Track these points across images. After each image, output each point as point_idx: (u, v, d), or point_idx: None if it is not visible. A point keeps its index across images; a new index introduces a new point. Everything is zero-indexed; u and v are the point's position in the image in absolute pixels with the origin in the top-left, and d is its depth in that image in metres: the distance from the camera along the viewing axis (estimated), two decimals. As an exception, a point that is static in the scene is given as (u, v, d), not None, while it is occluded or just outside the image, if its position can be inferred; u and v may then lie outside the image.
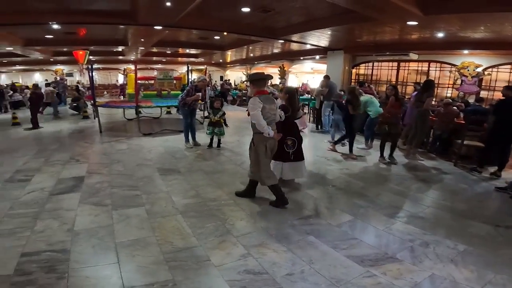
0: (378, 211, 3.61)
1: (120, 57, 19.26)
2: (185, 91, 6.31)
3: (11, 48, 12.78)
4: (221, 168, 5.07)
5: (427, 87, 5.72)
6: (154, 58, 21.34)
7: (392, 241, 2.95)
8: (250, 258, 2.58)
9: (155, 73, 22.74)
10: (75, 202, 3.56)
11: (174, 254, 2.60)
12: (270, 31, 10.17)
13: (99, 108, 8.07)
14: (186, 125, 6.31)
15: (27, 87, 15.18)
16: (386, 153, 5.60)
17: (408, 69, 11.43)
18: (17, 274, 2.29)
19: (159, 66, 25.09)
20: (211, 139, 6.33)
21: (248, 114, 3.48)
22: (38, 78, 23.62)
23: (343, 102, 6.06)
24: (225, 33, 10.50)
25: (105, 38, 13.12)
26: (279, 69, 18.81)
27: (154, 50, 16.69)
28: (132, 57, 19.54)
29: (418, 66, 11.06)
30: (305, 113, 9.24)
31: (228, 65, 26.11)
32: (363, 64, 12.87)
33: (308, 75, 25.09)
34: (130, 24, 8.79)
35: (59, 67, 22.29)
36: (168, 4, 6.32)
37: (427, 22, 6.45)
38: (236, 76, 28.16)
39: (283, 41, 11.29)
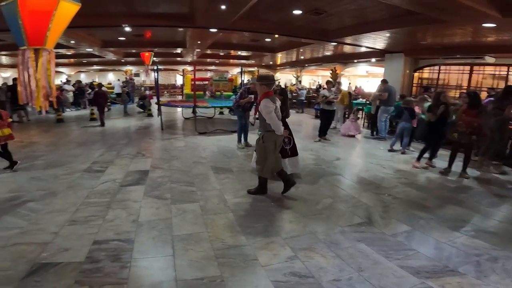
0: (440, 224, 3.37)
1: (178, 59, 20.54)
2: (238, 93, 6.55)
3: (91, 49, 14.38)
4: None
5: (508, 93, 5.15)
6: (208, 60, 22.32)
7: (455, 255, 2.74)
8: (297, 260, 2.60)
9: (208, 74, 23.95)
10: (140, 194, 3.94)
11: (223, 251, 2.70)
12: (322, 33, 10.02)
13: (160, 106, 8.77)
14: (240, 126, 6.56)
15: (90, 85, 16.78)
16: (454, 166, 5.09)
17: (483, 74, 10.29)
18: (87, 262, 2.50)
19: (213, 67, 26.29)
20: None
21: (255, 113, 3.94)
22: (111, 77, 26.48)
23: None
24: (276, 35, 10.61)
25: (166, 40, 14.07)
26: (331, 72, 18.33)
27: (208, 52, 17.40)
28: (189, 59, 20.72)
29: (495, 70, 9.92)
30: (359, 117, 8.89)
31: (278, 67, 26.24)
32: (427, 68, 11.92)
33: (362, 78, 24.06)
34: (188, 26, 9.29)
35: (128, 67, 24.73)
36: (223, 7, 6.63)
37: (507, 24, 5.80)
38: (286, 78, 28.13)
39: (335, 43, 11.02)
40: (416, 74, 12.14)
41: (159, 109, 8.82)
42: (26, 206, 3.47)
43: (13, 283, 2.19)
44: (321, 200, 3.91)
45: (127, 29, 9.52)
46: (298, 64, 22.36)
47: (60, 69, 23.20)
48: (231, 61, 23.40)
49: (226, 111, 12.14)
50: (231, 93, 14.50)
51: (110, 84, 20.41)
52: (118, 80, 17.76)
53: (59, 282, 2.22)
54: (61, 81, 18.12)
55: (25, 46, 3.77)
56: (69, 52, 15.87)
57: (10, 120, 4.91)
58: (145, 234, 2.97)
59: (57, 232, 2.91)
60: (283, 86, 23.21)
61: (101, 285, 2.22)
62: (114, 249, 2.68)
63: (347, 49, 12.95)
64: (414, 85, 12.11)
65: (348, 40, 10.29)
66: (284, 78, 28.64)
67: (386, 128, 7.86)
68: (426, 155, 5.49)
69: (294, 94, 16.49)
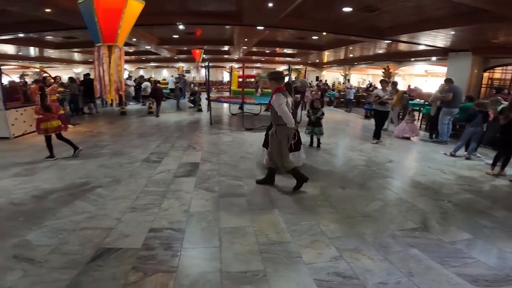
0: (506, 233, 3.07)
1: (226, 56, 21.14)
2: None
3: (149, 47, 15.41)
4: (318, 169, 5.08)
5: None
6: (254, 58, 22.65)
7: (520, 265, 2.48)
8: (342, 261, 2.56)
9: (254, 71, 24.27)
10: (192, 185, 4.17)
11: (268, 247, 2.74)
12: (374, 31, 9.57)
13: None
14: None
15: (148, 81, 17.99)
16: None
17: None
18: (143, 249, 2.65)
19: (259, 65, 26.57)
20: (311, 138, 6.44)
21: (268, 108, 4.06)
22: (165, 74, 28.24)
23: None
24: (323, 33, 10.35)
25: (215, 38, 14.60)
26: (383, 70, 17.34)
27: (254, 49, 17.66)
28: (236, 56, 21.21)
29: None
30: (415, 119, 8.29)
31: (325, 66, 25.56)
32: (499, 68, 10.71)
33: (419, 78, 22.35)
34: (236, 24, 9.56)
35: (180, 64, 26.18)
36: (270, 5, 6.65)
37: None
38: (333, 76, 27.27)
39: (389, 41, 10.41)
40: (485, 74, 10.94)
41: (209, 105, 9.21)
42: (95, 192, 3.86)
43: (79, 267, 2.38)
44: (370, 202, 3.76)
45: (181, 27, 10.09)
46: (347, 62, 21.58)
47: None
48: (277, 58, 23.47)
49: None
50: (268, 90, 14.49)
51: (165, 80, 21.77)
52: (172, 76, 18.86)
53: (119, 268, 2.38)
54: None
55: (100, 43, 4.20)
56: (131, 50, 17.24)
57: (61, 112, 5.40)
58: (195, 224, 3.11)
59: (119, 218, 3.19)
60: (330, 85, 22.68)
61: (154, 272, 2.34)
62: (167, 237, 2.85)
63: (403, 47, 12.21)
64: (483, 86, 10.92)
65: (404, 38, 9.71)
66: (331, 76, 27.81)
67: (448, 131, 7.22)
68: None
69: (342, 93, 15.96)
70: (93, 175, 4.47)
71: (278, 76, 3.97)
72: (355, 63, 21.01)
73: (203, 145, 6.45)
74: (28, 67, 17.16)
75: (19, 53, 16.26)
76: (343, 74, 24.01)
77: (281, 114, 3.75)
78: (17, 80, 11.96)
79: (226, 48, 17.30)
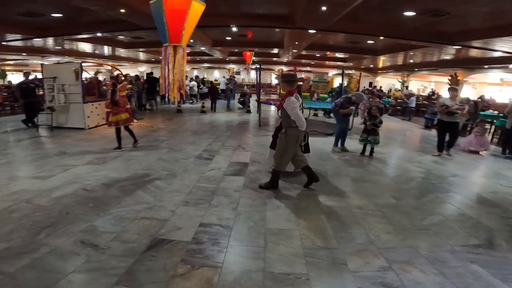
0: None
1: (275, 59, 21.29)
2: (339, 100, 6.40)
3: (203, 48, 16.21)
4: (370, 178, 4.87)
5: None
6: (303, 61, 22.38)
7: None
8: (390, 272, 2.43)
9: (303, 75, 24.03)
10: (240, 184, 4.29)
11: (313, 251, 2.71)
12: (440, 36, 8.87)
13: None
14: (340, 129, 6.42)
15: (202, 81, 18.75)
16: None
17: None
18: (193, 242, 2.75)
19: (309, 68, 26.20)
20: (364, 146, 6.18)
21: (279, 109, 4.14)
22: (217, 75, 29.35)
23: None
24: (381, 37, 9.84)
25: (264, 41, 14.87)
26: (449, 78, 15.84)
27: (304, 53, 17.48)
28: (285, 59, 21.22)
29: None
30: (486, 129, 7.46)
31: (379, 71, 24.26)
32: None
33: (492, 87, 20.07)
34: (287, 27, 9.59)
35: (231, 66, 27.04)
36: (324, 8, 6.52)
37: None
38: (388, 83, 25.70)
39: (459, 47, 9.52)
40: None
41: (258, 107, 9.39)
42: (154, 184, 4.19)
43: (135, 255, 2.52)
44: (428, 216, 3.51)
45: (234, 29, 10.42)
46: (405, 68, 20.22)
47: None
48: (327, 62, 22.95)
49: (320, 113, 12.00)
50: (325, 96, 14.25)
51: (217, 81, 22.68)
52: (224, 77, 19.56)
53: (169, 259, 2.49)
54: None
55: (167, 43, 4.56)
56: (188, 50, 18.22)
57: (128, 106, 5.92)
58: (242, 223, 3.18)
59: (174, 210, 3.40)
60: (386, 91, 21.43)
61: (201, 266, 2.42)
62: (215, 233, 2.94)
63: (474, 53, 11.06)
64: None
65: (476, 43, 8.82)
66: (386, 82, 26.28)
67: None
68: None
69: (398, 101, 14.92)
70: (153, 168, 4.85)
71: (291, 78, 4.00)
72: (415, 69, 19.61)
73: (252, 146, 6.60)
74: (102, 65, 18.69)
75: (95, 51, 18.05)
76: (400, 80, 22.54)
77: (294, 118, 3.79)
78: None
79: (275, 51, 17.51)
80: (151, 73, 13.08)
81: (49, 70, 7.93)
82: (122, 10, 7.72)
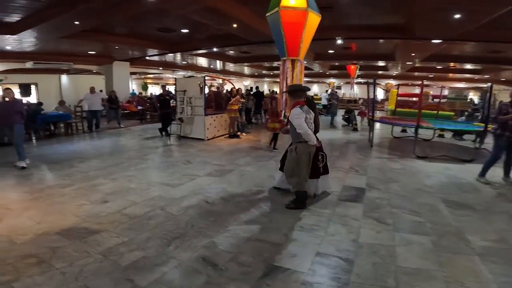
0: None
1: (380, 72, 19.40)
2: (497, 109, 5.07)
3: (305, 62, 16.00)
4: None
5: None
6: (416, 74, 19.65)
7: None
8: None
9: (416, 90, 21.10)
10: (359, 212, 3.82)
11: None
12: None
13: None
14: (494, 157, 5.01)
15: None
16: None
17: None
18: (309, 274, 2.53)
19: (425, 82, 22.90)
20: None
21: (287, 124, 3.92)
22: (315, 89, 28.89)
23: None
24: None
25: (370, 53, 13.75)
26: None
27: (418, 65, 15.51)
28: (394, 72, 19.13)
29: None
30: None
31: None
32: None
33: None
34: (405, 38, 8.70)
35: (331, 80, 26.11)
36: (457, 16, 5.42)
37: None
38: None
39: None
40: None
41: (371, 125, 8.53)
42: (267, 203, 4.10)
43: (250, 281, 2.43)
44: None
45: (339, 41, 10.00)
46: None
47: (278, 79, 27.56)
48: (450, 75, 19.50)
49: (447, 134, 10.05)
50: (450, 113, 11.86)
51: (317, 95, 22.14)
52: (326, 91, 18.94)
53: None
54: (277, 91, 21.63)
55: (285, 56, 4.54)
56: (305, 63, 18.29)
57: (281, 118, 6.80)
58: (365, 257, 2.80)
59: (287, 235, 3.22)
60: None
61: None
62: (334, 266, 2.66)
63: None
64: None
65: None
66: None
67: None
68: None
69: None
70: (265, 185, 4.84)
71: (297, 89, 3.81)
72: None
73: (367, 169, 5.94)
74: (214, 78, 19.54)
75: (210, 66, 19.68)
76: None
77: (299, 131, 3.57)
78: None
79: (381, 63, 15.98)
80: (257, 87, 13.75)
81: (181, 83, 9.08)
82: (234, 25, 8.21)
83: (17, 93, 14.10)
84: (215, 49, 12.56)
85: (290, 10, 4.15)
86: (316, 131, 4.00)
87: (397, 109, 10.61)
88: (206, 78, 8.65)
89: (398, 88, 10.87)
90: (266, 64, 20.16)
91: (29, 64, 11.73)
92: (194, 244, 2.99)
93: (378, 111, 19.58)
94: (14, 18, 7.38)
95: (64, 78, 17.25)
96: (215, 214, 3.71)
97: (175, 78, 10.45)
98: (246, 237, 3.15)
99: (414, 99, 13.60)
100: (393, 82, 22.93)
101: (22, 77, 14.88)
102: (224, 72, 22.59)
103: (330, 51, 13.89)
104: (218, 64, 19.11)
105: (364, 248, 2.96)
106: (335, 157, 6.91)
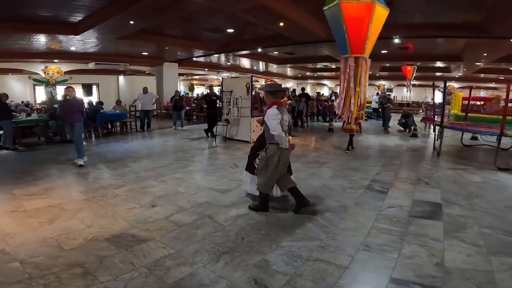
0: None
1: (438, 74, 17.57)
2: None
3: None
4: None
5: None
6: (482, 75, 17.39)
7: None
8: None
9: (481, 92, 18.76)
10: (440, 232, 3.21)
11: None
12: None
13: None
14: None
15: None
16: None
17: None
18: None
19: (493, 84, 20.43)
20: None
21: (261, 124, 3.73)
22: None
23: None
24: None
25: (427, 54, 12.53)
26: None
27: (485, 66, 13.90)
28: (457, 74, 17.23)
29: None
30: None
31: None
32: None
33: None
34: (480, 37, 7.89)
35: (381, 82, 24.36)
36: None
37: None
38: None
39: None
40: None
41: (441, 132, 7.43)
42: (324, 216, 3.64)
43: None
44: None
45: (396, 40, 9.12)
46: None
47: (324, 81, 26.52)
48: None
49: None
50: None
51: (367, 98, 20.71)
52: (377, 94, 17.68)
53: None
54: (323, 93, 20.81)
55: (347, 54, 4.05)
56: (333, 66, 17.47)
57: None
58: (456, 284, 2.34)
59: (353, 256, 2.76)
60: None
61: None
62: None
63: None
64: None
65: None
66: None
67: None
68: None
69: None
70: (319, 195, 4.38)
71: (276, 89, 3.69)
72: None
73: (439, 181, 5.11)
74: (257, 80, 19.50)
75: (253, 68, 19.47)
76: None
77: (273, 133, 3.40)
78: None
79: (439, 64, 14.35)
80: (303, 89, 13.22)
81: (227, 84, 8.90)
82: (281, 24, 7.81)
83: (80, 93, 15.32)
84: (259, 50, 12.25)
85: (353, 2, 3.67)
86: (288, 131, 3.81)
87: (455, 113, 9.31)
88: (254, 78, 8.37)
89: (470, 91, 9.45)
90: (310, 66, 19.47)
91: (91, 65, 12.60)
92: (245, 261, 2.66)
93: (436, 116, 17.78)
94: (77, 17, 7.76)
95: (121, 79, 18.40)
96: (266, 227, 3.35)
97: (222, 78, 10.37)
98: (304, 257, 2.73)
99: (480, 102, 11.94)
100: (454, 84, 20.77)
101: (85, 77, 16.15)
102: (267, 73, 22.33)
103: (383, 51, 12.78)
104: (261, 66, 18.82)
105: (454, 274, 2.47)
106: (397, 166, 6.16)
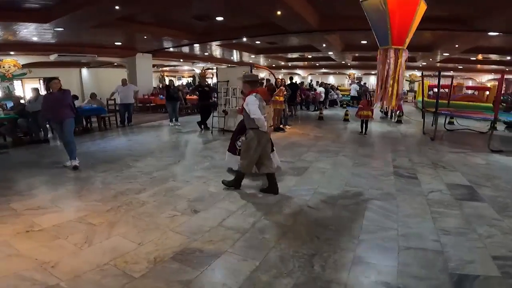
0: None
1: (410, 63, 18.68)
2: None
3: (331, 53, 15.26)
4: None
5: None
6: (438, 65, 18.98)
7: None
8: None
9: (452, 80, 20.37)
10: (492, 212, 3.41)
11: None
12: None
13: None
14: None
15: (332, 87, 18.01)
16: None
17: None
18: (508, 277, 2.28)
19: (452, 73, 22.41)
20: None
21: (240, 111, 4.08)
22: (331, 80, 28.06)
23: None
24: None
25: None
26: None
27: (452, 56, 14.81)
28: (421, 64, 18.52)
29: None
30: None
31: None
32: None
33: None
34: (462, 30, 8.31)
35: (351, 71, 25.33)
36: None
37: None
38: None
39: None
40: None
41: (435, 118, 7.92)
42: (376, 204, 3.62)
43: None
44: None
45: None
46: None
47: (297, 71, 26.77)
48: (479, 66, 18.97)
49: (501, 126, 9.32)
50: (489, 105, 11.34)
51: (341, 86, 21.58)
52: (357, 83, 18.38)
53: None
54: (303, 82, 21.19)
55: (388, 45, 4.03)
56: (308, 56, 17.54)
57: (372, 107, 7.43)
58: None
59: (438, 240, 2.80)
60: None
61: None
62: None
63: None
64: None
65: None
66: None
67: None
68: None
69: None
70: (357, 184, 4.35)
71: (253, 79, 4.11)
72: None
73: (453, 164, 5.39)
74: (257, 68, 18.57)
75: (225, 57, 18.20)
76: None
77: (253, 117, 3.69)
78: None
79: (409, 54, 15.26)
80: (291, 78, 13.14)
81: (223, 73, 8.44)
82: (279, 12, 7.43)
83: (40, 87, 13.60)
84: (244, 39, 11.72)
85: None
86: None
87: (418, 99, 10.11)
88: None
89: (452, 80, 10.24)
90: (288, 56, 19.37)
91: (53, 57, 11.21)
92: (339, 260, 2.51)
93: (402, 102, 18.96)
94: (35, 4, 6.80)
95: (85, 71, 16.73)
96: (332, 222, 3.22)
97: (216, 68, 9.84)
98: (394, 248, 2.69)
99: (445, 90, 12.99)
100: (417, 73, 22.21)
101: (45, 71, 14.33)
102: (241, 63, 21.85)
103: (363, 42, 13.02)
104: (235, 55, 18.16)
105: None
106: (405, 152, 6.39)
